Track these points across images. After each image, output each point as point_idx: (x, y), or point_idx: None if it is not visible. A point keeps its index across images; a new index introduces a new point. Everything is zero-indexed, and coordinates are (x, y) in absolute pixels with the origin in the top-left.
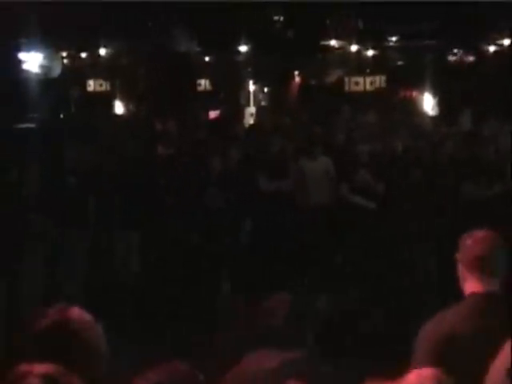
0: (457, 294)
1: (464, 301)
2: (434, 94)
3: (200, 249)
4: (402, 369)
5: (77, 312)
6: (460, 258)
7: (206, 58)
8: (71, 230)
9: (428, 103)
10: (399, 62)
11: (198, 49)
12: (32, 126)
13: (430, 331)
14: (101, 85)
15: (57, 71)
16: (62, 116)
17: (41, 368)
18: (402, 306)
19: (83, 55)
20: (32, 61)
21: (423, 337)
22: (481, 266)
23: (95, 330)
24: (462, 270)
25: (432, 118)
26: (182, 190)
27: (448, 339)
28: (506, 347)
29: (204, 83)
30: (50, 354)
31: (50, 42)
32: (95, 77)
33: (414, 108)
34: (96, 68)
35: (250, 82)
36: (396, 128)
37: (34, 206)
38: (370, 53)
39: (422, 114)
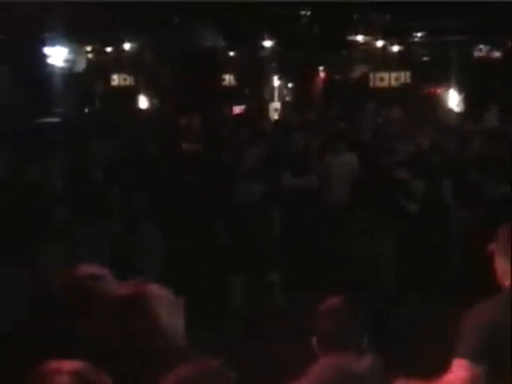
0: None
1: (503, 292)
2: (460, 91)
3: (226, 245)
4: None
5: (156, 288)
6: (497, 249)
7: (231, 53)
8: (95, 226)
9: (453, 100)
10: (424, 58)
11: (223, 44)
12: (56, 120)
13: (471, 323)
14: (125, 79)
15: (81, 65)
16: (86, 110)
17: (70, 365)
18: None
19: (107, 50)
20: (57, 55)
21: (465, 328)
22: None
23: (174, 306)
24: (499, 261)
25: (457, 114)
26: (206, 186)
27: (489, 330)
28: None
29: (228, 78)
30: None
31: (74, 36)
32: (119, 71)
33: (438, 104)
34: (120, 63)
35: (275, 78)
36: (421, 124)
37: (59, 201)
38: (396, 48)
39: (447, 111)
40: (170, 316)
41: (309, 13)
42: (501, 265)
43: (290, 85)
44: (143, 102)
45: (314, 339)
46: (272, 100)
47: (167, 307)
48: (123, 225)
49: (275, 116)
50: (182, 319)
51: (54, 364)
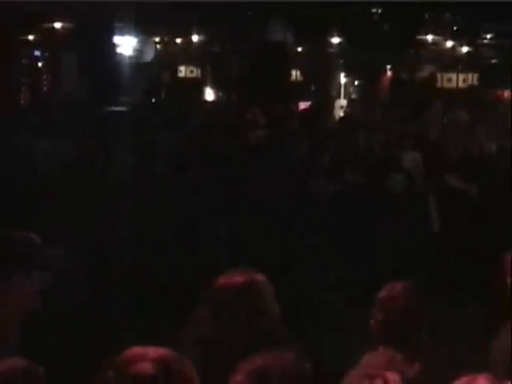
0: None
1: None
2: None
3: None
4: None
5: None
6: None
7: (299, 49)
8: (160, 217)
9: None
10: (493, 60)
11: (291, 39)
12: (123, 109)
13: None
14: (192, 71)
15: (149, 56)
16: (153, 100)
17: (155, 352)
18: None
19: (176, 41)
20: (126, 45)
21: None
22: None
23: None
24: None
25: None
26: (271, 181)
27: None
28: None
29: (295, 74)
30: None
31: (143, 26)
32: (187, 63)
33: (506, 108)
34: (188, 54)
35: (342, 75)
36: (487, 127)
37: (124, 191)
38: (465, 49)
39: None
40: (273, 301)
41: (379, 10)
42: None
43: (356, 82)
44: (209, 95)
45: (372, 321)
46: (338, 97)
47: (270, 293)
48: (188, 217)
49: (341, 113)
50: (277, 305)
51: (137, 350)
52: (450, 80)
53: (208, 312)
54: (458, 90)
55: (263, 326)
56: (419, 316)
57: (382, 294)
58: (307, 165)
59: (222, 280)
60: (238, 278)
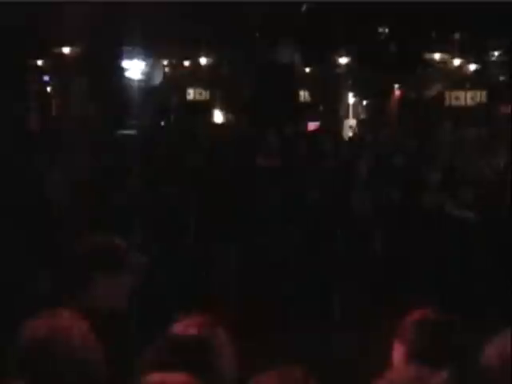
0: None
1: None
2: None
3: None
4: None
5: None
6: None
7: (307, 69)
8: (170, 239)
9: None
10: (501, 77)
11: (299, 60)
12: (133, 132)
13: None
14: (200, 93)
15: (158, 79)
16: (162, 123)
17: (174, 378)
18: None
19: (184, 64)
20: (134, 68)
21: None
22: None
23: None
24: None
25: None
26: (282, 201)
27: None
28: None
29: (304, 94)
30: None
31: (152, 50)
32: (195, 86)
33: None
34: (196, 77)
35: (350, 95)
36: (497, 145)
37: (136, 213)
38: (472, 67)
39: None
40: (230, 359)
41: (386, 30)
42: None
43: (364, 102)
44: (218, 117)
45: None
46: (347, 117)
47: (228, 350)
48: (198, 239)
49: (350, 133)
50: (234, 363)
51: (157, 377)
52: (457, 98)
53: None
54: (466, 107)
55: None
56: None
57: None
58: (319, 184)
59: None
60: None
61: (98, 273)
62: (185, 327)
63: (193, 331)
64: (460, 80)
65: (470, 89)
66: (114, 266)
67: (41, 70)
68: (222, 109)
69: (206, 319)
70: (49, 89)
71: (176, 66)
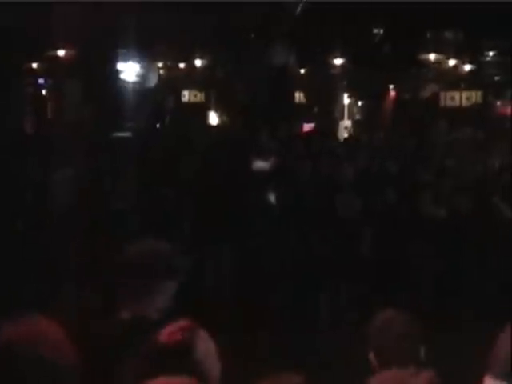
0: None
1: None
2: None
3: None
4: None
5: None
6: None
7: (302, 71)
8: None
9: None
10: (496, 78)
11: (293, 61)
12: (128, 135)
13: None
14: (195, 95)
15: (153, 81)
16: (157, 126)
17: (177, 382)
18: None
19: (179, 66)
20: (129, 71)
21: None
22: None
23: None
24: None
25: None
26: (275, 202)
27: None
28: None
29: (299, 96)
30: None
31: (146, 52)
32: (190, 88)
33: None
34: (191, 79)
35: (345, 96)
36: (492, 145)
37: (129, 216)
38: (467, 67)
39: None
40: (212, 364)
41: (381, 31)
42: None
43: (360, 103)
44: (213, 119)
45: (371, 353)
46: (342, 118)
47: (211, 354)
48: (193, 241)
49: (345, 134)
50: (219, 366)
51: (161, 380)
52: (453, 98)
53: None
54: (461, 108)
55: None
56: (411, 338)
57: (375, 321)
58: (315, 186)
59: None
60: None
61: (158, 280)
62: (167, 333)
63: (175, 336)
64: (455, 80)
65: (465, 89)
66: (171, 272)
67: (35, 73)
68: (216, 111)
69: (188, 323)
70: (44, 92)
71: (171, 68)
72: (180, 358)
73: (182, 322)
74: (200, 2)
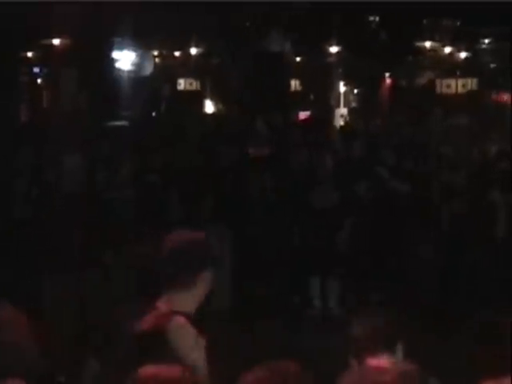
0: None
1: None
2: None
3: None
4: None
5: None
6: None
7: (298, 59)
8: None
9: None
10: (492, 65)
11: (289, 49)
12: (124, 123)
13: None
14: (191, 84)
15: (149, 70)
16: (152, 114)
17: (167, 371)
18: None
19: (175, 54)
20: (125, 59)
21: None
22: None
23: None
24: None
25: None
26: (272, 191)
27: None
28: None
29: (295, 84)
30: None
31: (142, 41)
32: (186, 76)
33: (506, 112)
34: (187, 67)
35: (341, 84)
36: (488, 131)
37: (124, 205)
38: (463, 55)
39: None
40: (193, 349)
41: (377, 18)
42: None
43: (356, 91)
44: (209, 107)
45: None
46: (338, 106)
47: (190, 340)
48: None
49: (341, 122)
50: (202, 352)
51: (150, 370)
52: (449, 86)
53: None
54: (457, 95)
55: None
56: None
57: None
58: (309, 174)
59: None
60: (150, 321)
61: (206, 269)
62: (143, 322)
63: (149, 324)
64: (451, 68)
65: (461, 76)
66: (215, 261)
67: (30, 62)
68: (212, 99)
69: (165, 311)
70: (39, 80)
71: (166, 57)
72: (154, 343)
73: (158, 311)
74: None
